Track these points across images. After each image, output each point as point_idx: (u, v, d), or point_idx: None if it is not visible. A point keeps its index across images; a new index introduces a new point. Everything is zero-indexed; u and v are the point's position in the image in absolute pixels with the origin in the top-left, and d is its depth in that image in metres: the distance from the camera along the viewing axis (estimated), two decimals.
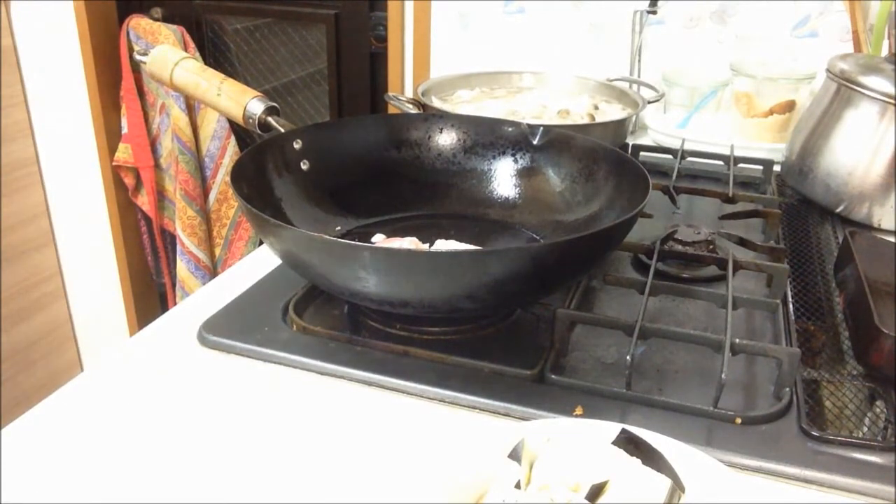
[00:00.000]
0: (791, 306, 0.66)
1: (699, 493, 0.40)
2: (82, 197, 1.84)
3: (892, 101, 0.85)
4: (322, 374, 0.57)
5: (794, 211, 0.91)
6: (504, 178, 0.78)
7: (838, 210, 0.89)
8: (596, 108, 1.11)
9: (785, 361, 0.54)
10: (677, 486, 0.40)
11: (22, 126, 1.77)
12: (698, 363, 0.59)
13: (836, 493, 0.47)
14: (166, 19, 1.67)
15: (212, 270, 1.74)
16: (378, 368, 0.57)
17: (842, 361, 0.60)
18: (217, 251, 1.76)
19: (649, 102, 1.09)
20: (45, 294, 1.90)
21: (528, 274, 0.55)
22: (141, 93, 1.69)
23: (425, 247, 0.66)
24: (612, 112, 1.09)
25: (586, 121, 1.05)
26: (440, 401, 0.55)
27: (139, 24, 1.61)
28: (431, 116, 0.81)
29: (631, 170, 0.68)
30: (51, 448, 0.49)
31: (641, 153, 1.01)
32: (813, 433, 0.50)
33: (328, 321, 0.63)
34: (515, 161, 0.78)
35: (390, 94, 1.07)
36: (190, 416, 0.53)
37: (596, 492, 0.39)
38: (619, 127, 1.02)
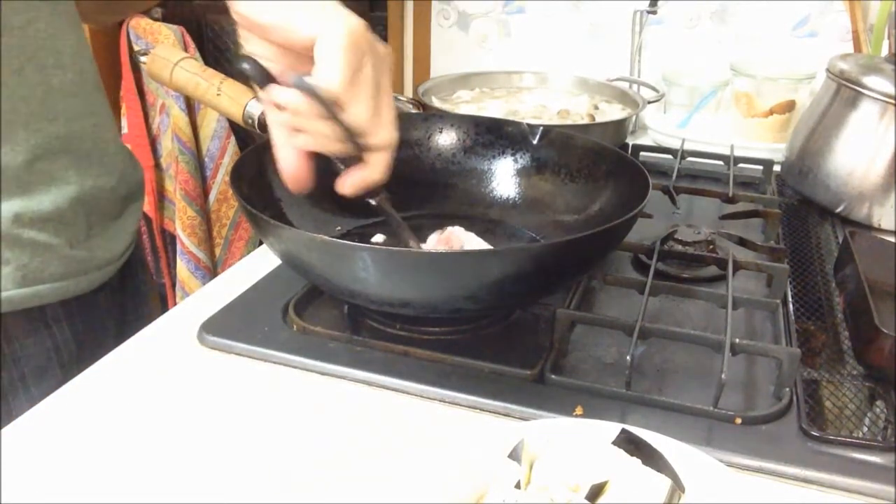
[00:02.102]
0: (791, 306, 0.66)
1: (699, 493, 0.40)
2: None
3: (892, 101, 0.85)
4: (322, 374, 0.57)
5: (794, 211, 0.91)
6: (504, 178, 0.78)
7: (838, 210, 0.89)
8: (596, 108, 1.11)
9: (785, 361, 0.54)
10: (677, 486, 0.40)
11: None
12: (698, 363, 0.59)
13: (836, 493, 0.47)
14: (166, 19, 1.67)
15: (212, 270, 1.74)
16: (378, 368, 0.57)
17: (842, 361, 0.60)
18: (217, 251, 1.76)
19: (649, 102, 1.09)
20: None
21: (528, 274, 0.55)
22: (141, 93, 1.69)
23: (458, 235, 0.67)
24: (612, 112, 1.09)
25: (586, 121, 1.05)
26: (440, 401, 0.55)
27: (139, 24, 1.61)
28: (431, 116, 0.81)
29: (631, 170, 0.68)
30: (51, 448, 0.49)
31: (641, 153, 1.01)
32: (813, 433, 0.50)
33: (328, 321, 0.63)
34: (515, 161, 0.78)
35: None
36: (190, 416, 0.53)
37: (596, 492, 0.39)
38: (619, 127, 1.02)
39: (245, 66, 0.52)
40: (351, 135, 0.52)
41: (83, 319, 0.68)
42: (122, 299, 0.74)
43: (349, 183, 0.56)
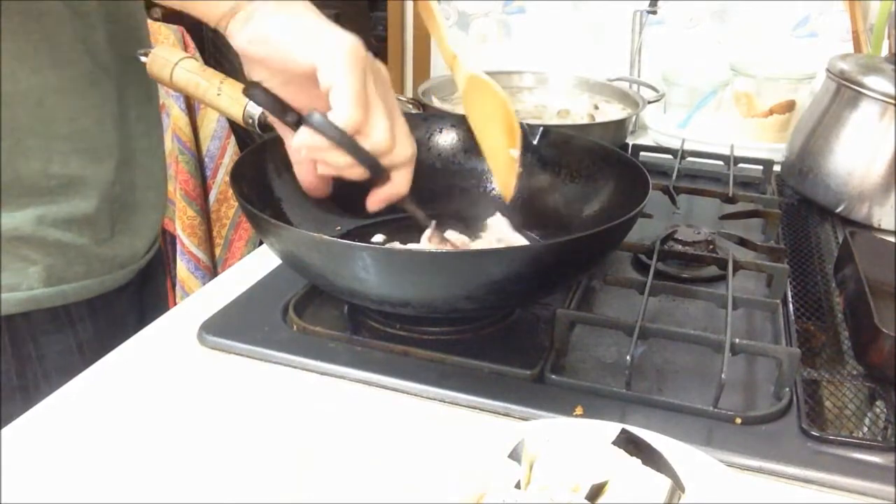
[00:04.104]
0: (791, 306, 0.66)
1: (699, 493, 0.40)
2: None
3: (892, 101, 0.85)
4: (322, 374, 0.57)
5: (794, 211, 0.91)
6: None
7: (838, 210, 0.89)
8: (596, 108, 1.11)
9: (785, 361, 0.54)
10: (677, 486, 0.40)
11: None
12: (698, 363, 0.59)
13: (836, 493, 0.47)
14: (166, 19, 1.67)
15: (212, 270, 1.74)
16: (378, 368, 0.57)
17: (842, 361, 0.60)
18: (217, 251, 1.76)
19: (649, 102, 1.09)
20: None
21: (528, 274, 0.55)
22: None
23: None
24: (612, 112, 1.09)
25: (586, 121, 1.05)
26: (440, 401, 0.55)
27: None
28: (431, 116, 0.81)
29: (631, 170, 0.68)
30: (51, 448, 0.49)
31: (641, 153, 1.01)
32: (813, 433, 0.50)
33: (328, 321, 0.63)
34: None
35: None
36: (190, 416, 0.53)
37: (596, 492, 0.39)
38: (619, 127, 1.02)
39: (254, 92, 0.53)
40: (369, 160, 0.53)
41: (106, 317, 0.69)
42: (143, 298, 0.75)
43: (375, 200, 0.58)
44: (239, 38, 0.51)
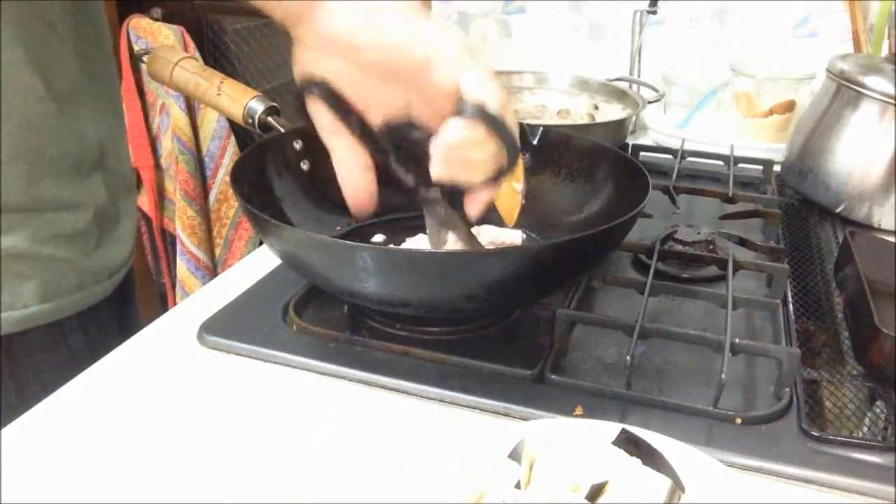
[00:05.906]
0: (791, 306, 0.66)
1: (699, 493, 0.40)
2: None
3: (892, 101, 0.85)
4: (322, 374, 0.57)
5: (794, 211, 0.91)
6: None
7: (838, 210, 0.89)
8: (596, 108, 1.11)
9: (785, 361, 0.54)
10: (677, 486, 0.40)
11: None
12: (698, 363, 0.59)
13: (836, 493, 0.47)
14: (166, 19, 1.67)
15: (212, 270, 1.74)
16: (378, 368, 0.57)
17: (842, 361, 0.60)
18: (217, 251, 1.76)
19: (649, 102, 1.09)
20: None
21: (528, 274, 0.55)
22: (141, 93, 1.69)
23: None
24: (612, 112, 1.09)
25: (586, 121, 1.05)
26: (440, 401, 0.55)
27: (139, 24, 1.61)
28: None
29: (631, 170, 0.68)
30: (51, 448, 0.49)
31: (641, 153, 1.01)
32: (813, 433, 0.50)
33: (328, 321, 0.63)
34: None
35: None
36: (190, 416, 0.53)
37: (596, 492, 0.39)
38: (619, 127, 1.02)
39: (317, 89, 0.49)
40: (516, 146, 0.50)
41: (96, 327, 0.70)
42: (123, 302, 0.75)
43: (477, 205, 0.54)
44: (337, 22, 0.46)
